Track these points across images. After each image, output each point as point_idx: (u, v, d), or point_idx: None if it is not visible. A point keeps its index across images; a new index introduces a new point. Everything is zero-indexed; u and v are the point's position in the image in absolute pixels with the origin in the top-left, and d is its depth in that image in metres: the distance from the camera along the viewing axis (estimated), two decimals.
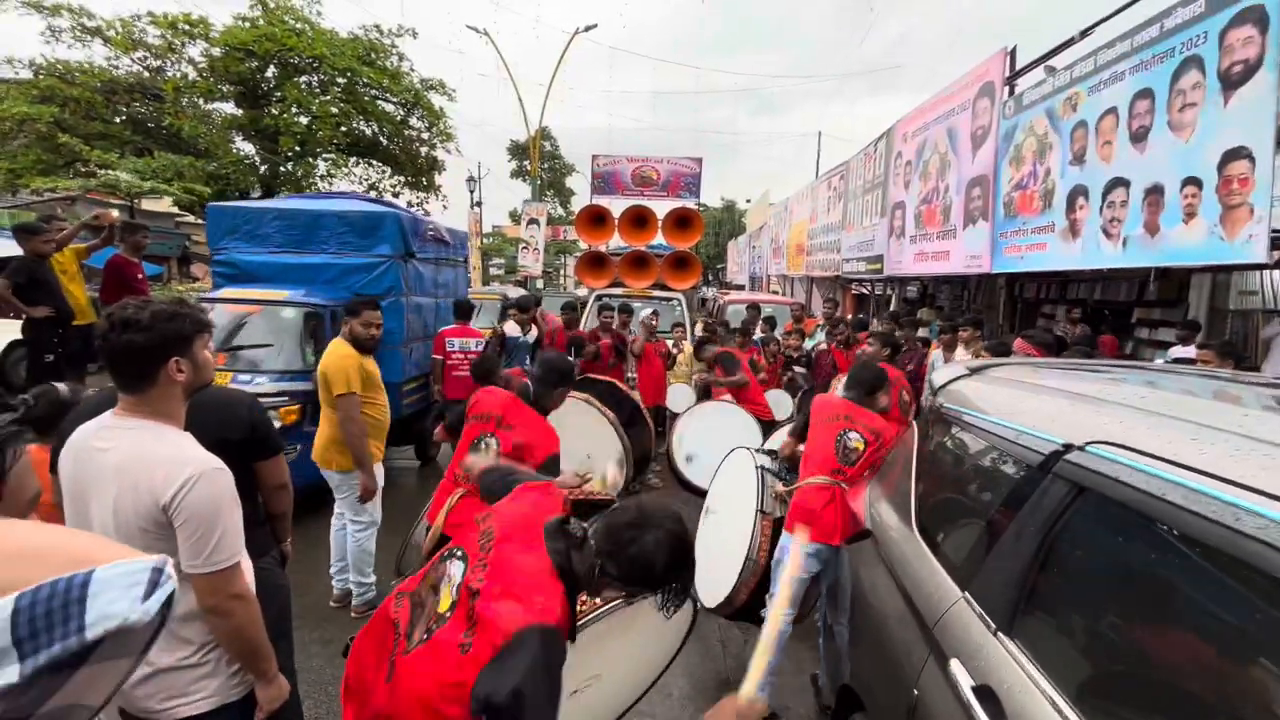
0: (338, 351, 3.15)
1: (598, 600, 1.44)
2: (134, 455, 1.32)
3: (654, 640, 1.75)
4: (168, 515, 1.29)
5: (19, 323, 4.66)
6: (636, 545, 1.22)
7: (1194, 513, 0.96)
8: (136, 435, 1.34)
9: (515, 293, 9.64)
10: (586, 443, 3.76)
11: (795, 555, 2.53)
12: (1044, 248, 6.31)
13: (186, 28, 14.07)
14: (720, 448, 4.49)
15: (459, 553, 1.35)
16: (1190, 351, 5.33)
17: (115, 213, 5.34)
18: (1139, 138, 5.04)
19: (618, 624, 1.50)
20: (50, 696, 0.51)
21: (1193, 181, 4.51)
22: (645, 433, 4.46)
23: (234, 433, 1.83)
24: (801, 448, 2.83)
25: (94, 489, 1.34)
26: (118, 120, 14.26)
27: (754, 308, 8.20)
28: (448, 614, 1.24)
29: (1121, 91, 5.23)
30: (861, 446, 2.57)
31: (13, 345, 6.34)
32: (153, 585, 0.56)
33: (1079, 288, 8.13)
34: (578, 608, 1.37)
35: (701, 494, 4.69)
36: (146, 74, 14.50)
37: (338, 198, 6.19)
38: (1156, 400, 1.44)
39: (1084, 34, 5.96)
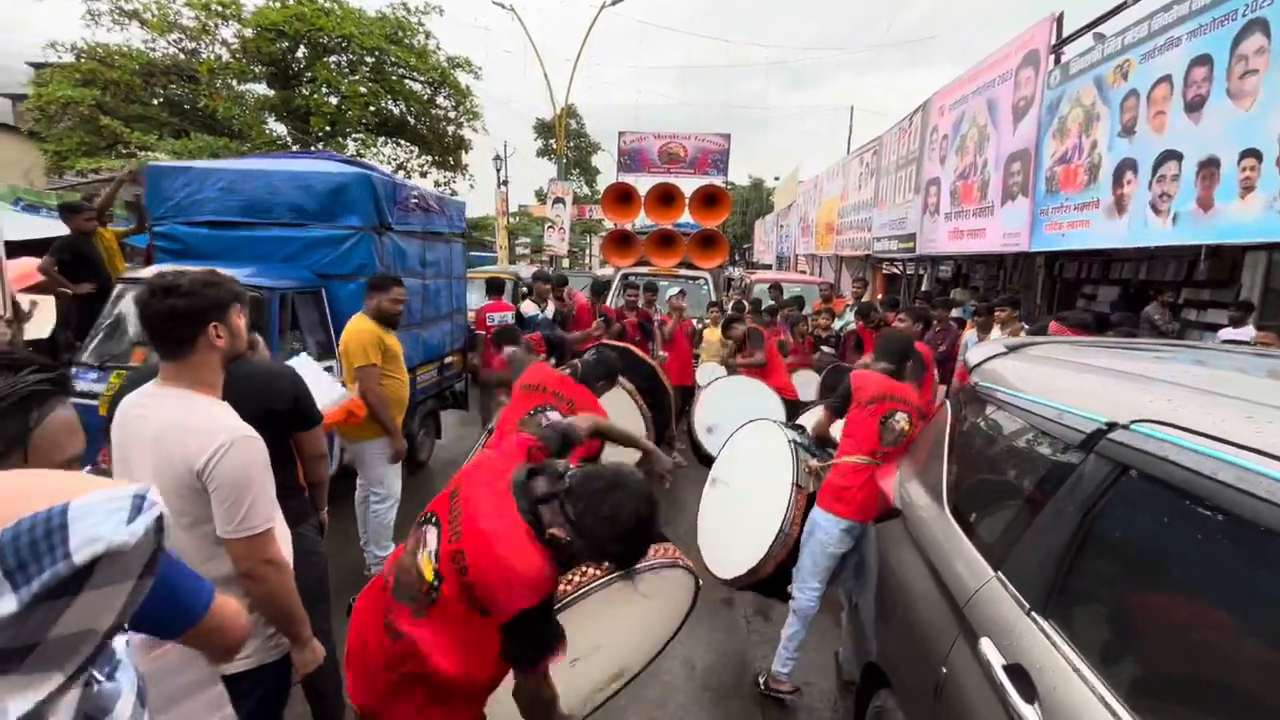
0: (356, 326, 3.24)
1: (596, 571, 1.45)
2: (170, 423, 1.37)
3: (655, 612, 1.76)
4: (202, 481, 1.33)
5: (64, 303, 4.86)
6: (607, 500, 1.23)
7: (1247, 493, 0.92)
8: (173, 404, 1.39)
9: (526, 272, 9.64)
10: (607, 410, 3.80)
11: (828, 531, 2.53)
12: (1087, 225, 6.07)
13: (219, 9, 14.24)
14: (743, 420, 4.49)
15: (433, 519, 1.36)
16: (1243, 333, 5.10)
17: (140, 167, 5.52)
18: (1194, 107, 4.78)
19: (617, 596, 1.51)
20: (54, 623, 0.53)
21: (1252, 153, 4.27)
22: (665, 397, 4.42)
23: (278, 403, 1.88)
24: (835, 426, 2.78)
25: (136, 454, 1.39)
26: (155, 102, 14.57)
27: (776, 287, 8.09)
28: (436, 583, 1.25)
29: (1177, 58, 4.96)
30: (908, 428, 2.51)
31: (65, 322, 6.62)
32: (136, 510, 0.57)
33: (1123, 267, 7.81)
34: (577, 578, 1.41)
35: None
36: (182, 56, 14.74)
37: (301, 157, 5.24)
38: (1207, 378, 1.38)
39: None
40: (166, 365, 1.41)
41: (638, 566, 1.46)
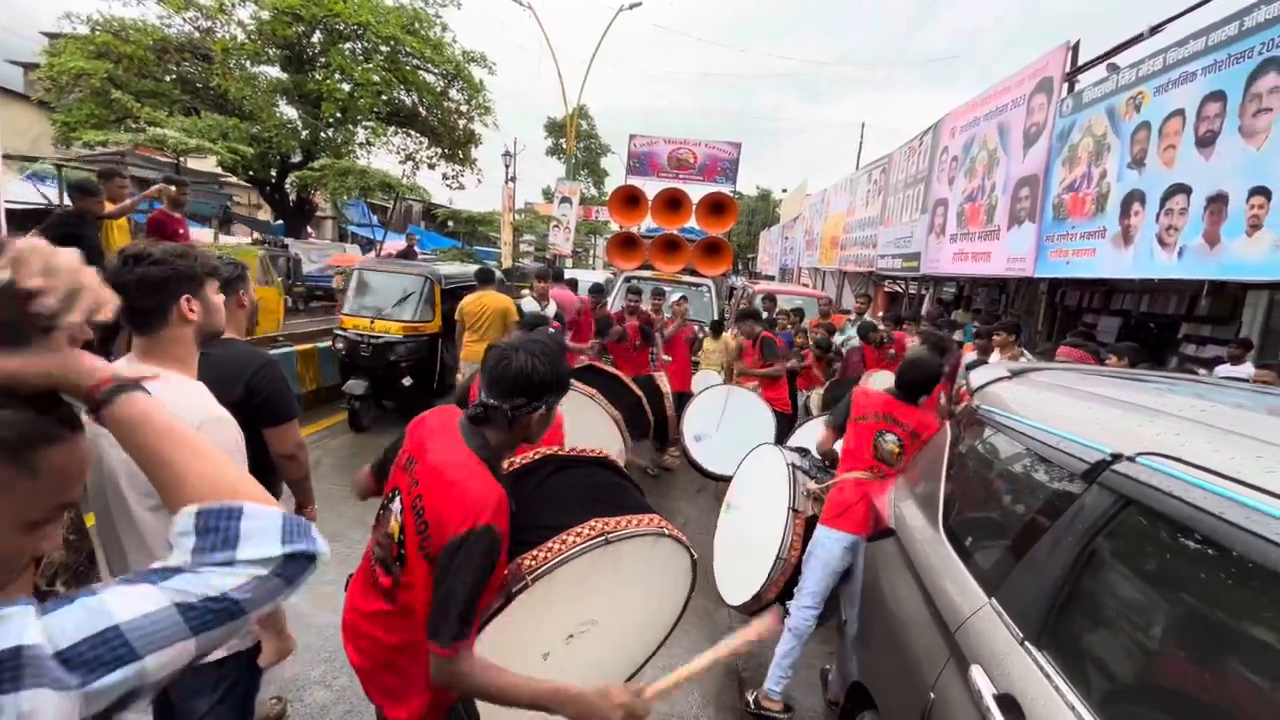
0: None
1: (573, 539, 1.43)
2: None
3: (649, 588, 1.73)
4: None
5: None
6: (513, 364, 1.31)
7: (1255, 534, 0.90)
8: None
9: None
10: (587, 439, 3.72)
11: (829, 548, 2.51)
12: (1092, 253, 6.08)
13: None
14: (732, 432, 4.47)
15: (395, 493, 1.39)
16: (1241, 370, 5.11)
17: (173, 188, 5.44)
18: (1206, 142, 4.79)
19: (598, 564, 1.49)
20: (263, 602, 0.63)
21: (1261, 191, 4.28)
22: (644, 425, 4.39)
23: (232, 393, 1.63)
24: (840, 443, 2.77)
25: (109, 437, 1.34)
26: (167, 79, 14.55)
27: (770, 299, 8.06)
28: (402, 539, 1.31)
29: (1191, 93, 4.97)
30: (897, 449, 2.52)
31: None
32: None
33: (1124, 298, 7.83)
34: (557, 546, 1.41)
35: (709, 475, 4.64)
36: (197, 34, 14.74)
37: None
38: (1216, 414, 1.36)
39: (1154, 30, 5.67)
40: (139, 341, 1.37)
41: (618, 532, 1.48)
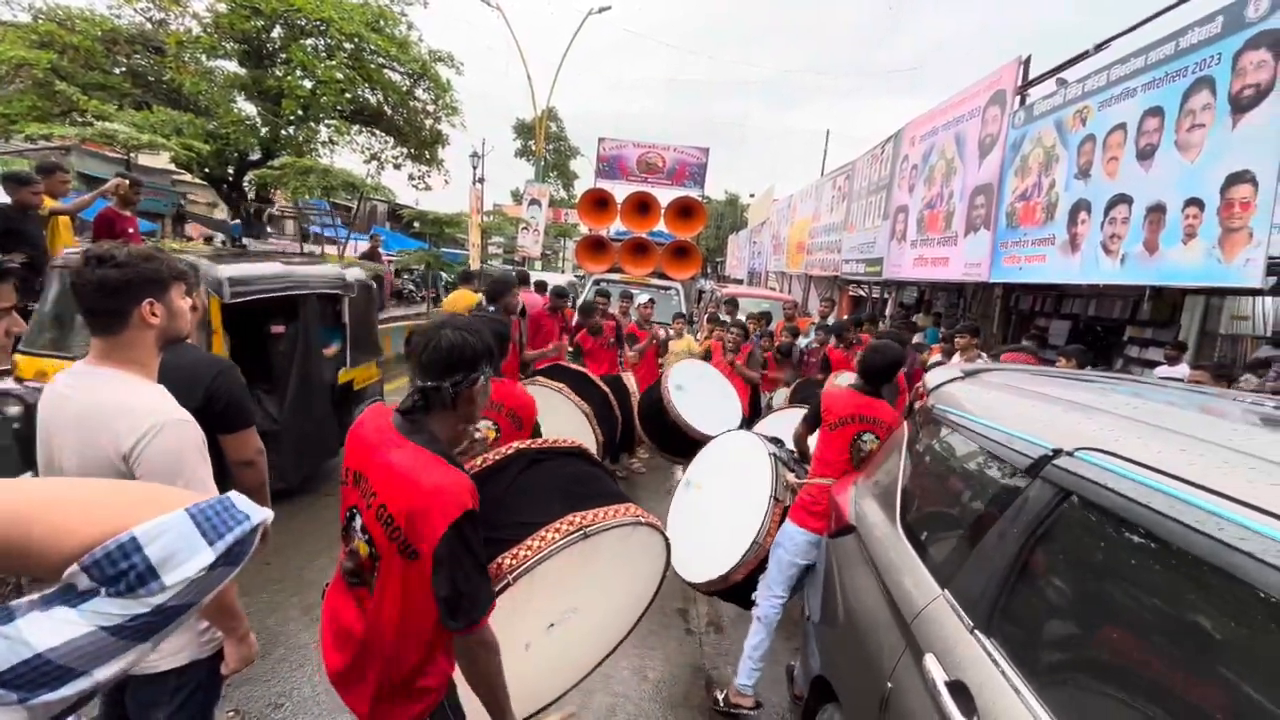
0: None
1: (553, 535, 1.45)
2: (95, 403, 1.28)
3: (627, 572, 1.76)
4: (129, 465, 1.25)
5: None
6: (442, 341, 1.31)
7: (1176, 520, 0.97)
8: (100, 384, 1.31)
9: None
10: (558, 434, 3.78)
11: (795, 541, 2.57)
12: (1043, 260, 6.33)
13: None
14: (707, 397, 4.83)
15: (353, 510, 1.38)
16: (1177, 371, 5.40)
17: (127, 181, 5.09)
18: (1145, 155, 5.05)
19: (578, 557, 1.51)
20: (209, 591, 0.59)
21: (1195, 202, 4.53)
22: (613, 416, 4.46)
23: (190, 400, 1.57)
24: (813, 438, 2.82)
25: (60, 436, 1.31)
26: (117, 71, 13.95)
27: (731, 302, 8.20)
28: (375, 552, 1.31)
29: (1132, 108, 5.23)
30: (876, 448, 2.58)
31: None
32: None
33: (1074, 303, 8.18)
34: (536, 543, 1.43)
35: (679, 426, 4.61)
36: (149, 25, 14.19)
37: None
38: (1148, 411, 1.45)
39: (1099, 47, 5.95)
40: (97, 342, 1.33)
41: (596, 525, 1.50)
